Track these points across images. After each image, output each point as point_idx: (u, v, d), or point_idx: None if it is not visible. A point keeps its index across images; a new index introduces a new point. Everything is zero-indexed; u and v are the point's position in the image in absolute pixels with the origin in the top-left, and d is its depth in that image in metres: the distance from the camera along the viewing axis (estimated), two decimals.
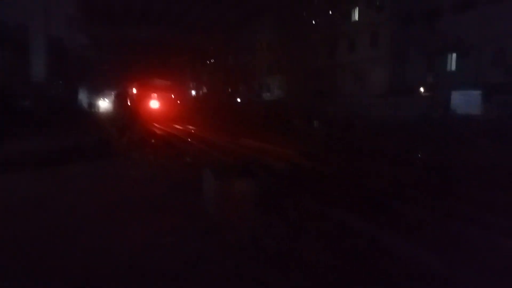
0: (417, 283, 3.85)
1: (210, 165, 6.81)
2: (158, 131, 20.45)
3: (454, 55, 23.67)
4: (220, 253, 4.32)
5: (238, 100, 49.12)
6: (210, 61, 60.47)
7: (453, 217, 5.92)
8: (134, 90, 35.28)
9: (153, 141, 15.19)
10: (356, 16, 32.43)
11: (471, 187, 7.91)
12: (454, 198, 7.08)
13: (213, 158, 11.63)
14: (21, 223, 5.35)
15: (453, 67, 23.88)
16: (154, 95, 33.70)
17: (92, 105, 48.35)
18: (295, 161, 11.09)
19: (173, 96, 37.10)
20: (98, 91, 65.98)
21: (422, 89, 24.56)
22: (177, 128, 23.85)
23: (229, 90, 54.50)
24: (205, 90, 65.34)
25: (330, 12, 35.23)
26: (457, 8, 22.83)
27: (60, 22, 43.74)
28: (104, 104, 55.15)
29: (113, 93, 48.80)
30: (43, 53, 30.73)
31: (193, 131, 21.92)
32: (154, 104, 33.52)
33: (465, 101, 20.36)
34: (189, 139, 17.33)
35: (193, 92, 70.88)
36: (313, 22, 37.57)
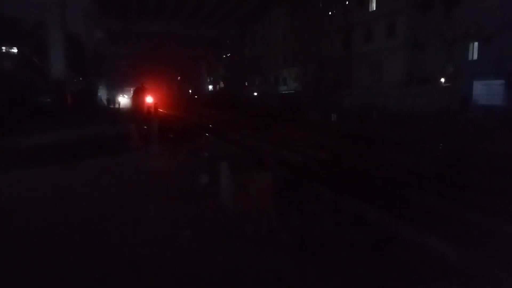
0: (433, 275, 3.83)
1: (226, 158, 6.87)
2: (176, 126, 20.66)
3: (476, 43, 22.97)
4: (238, 245, 4.39)
5: (255, 94, 49.07)
6: (226, 54, 60.47)
7: (471, 207, 5.84)
8: (150, 86, 35.71)
9: (171, 135, 15.39)
10: (373, 5, 31.81)
11: (491, 177, 7.78)
12: (472, 188, 6.99)
13: (230, 152, 11.72)
14: (52, 211, 5.53)
15: (475, 56, 23.20)
16: (170, 90, 34.02)
17: (111, 101, 49.05)
18: (312, 154, 11.07)
19: (190, 92, 37.36)
20: (117, 86, 66.98)
21: (442, 79, 23.99)
22: (194, 123, 24.03)
23: (246, 83, 54.48)
24: (221, 84, 65.50)
25: (347, 2, 34.70)
26: None
27: (78, 18, 44.54)
28: (123, 100, 55.86)
29: (131, 88, 49.45)
30: (61, 49, 31.30)
31: (210, 125, 22.07)
32: (170, 98, 33.85)
33: (487, 91, 19.83)
34: (207, 134, 17.46)
35: (210, 87, 71.17)
36: (329, 12, 37.09)
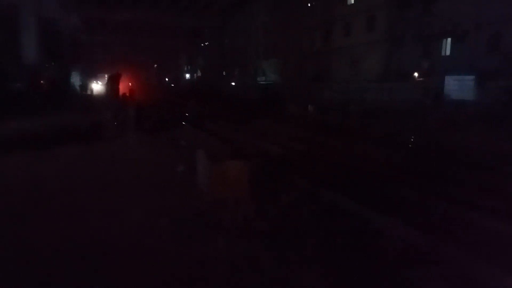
0: (404, 260, 3.98)
1: (204, 148, 6.86)
2: (152, 115, 20.36)
3: (449, 40, 23.62)
4: (214, 233, 4.42)
5: (233, 84, 48.81)
6: (204, 44, 59.80)
7: (441, 198, 6.06)
8: (125, 74, 34.94)
9: (147, 124, 15.17)
10: None
11: (459, 169, 8.08)
12: (443, 179, 7.24)
13: (206, 141, 11.68)
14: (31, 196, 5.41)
15: (448, 52, 23.86)
16: (146, 78, 33.33)
17: (85, 88, 47.75)
18: (290, 146, 11.17)
19: (167, 80, 36.70)
20: (91, 73, 65.11)
21: (416, 74, 24.58)
22: (170, 111, 23.73)
23: (224, 73, 54.14)
24: (199, 73, 64.81)
25: None
26: None
27: (53, 2, 42.91)
28: (97, 86, 54.53)
29: (106, 75, 48.31)
30: (34, 34, 30.22)
31: (187, 115, 21.87)
32: (146, 87, 33.16)
33: (459, 86, 20.40)
34: (184, 124, 17.30)
35: (187, 76, 70.24)
36: (309, 5, 37.16)
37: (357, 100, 24.97)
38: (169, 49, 67.23)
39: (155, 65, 78.72)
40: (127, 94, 23.53)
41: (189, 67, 70.06)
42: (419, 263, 3.94)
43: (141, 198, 5.67)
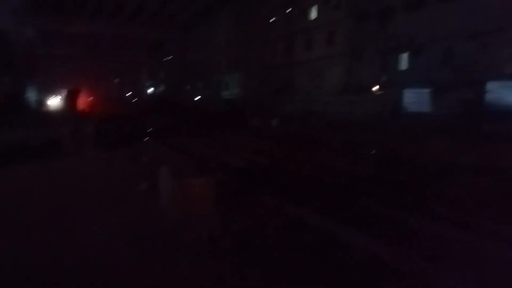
0: (370, 273, 3.95)
1: (166, 163, 6.64)
2: (112, 130, 19.73)
3: (406, 54, 24.66)
4: (176, 252, 4.22)
5: (196, 98, 48.47)
6: (167, 57, 59.28)
7: (401, 208, 6.15)
8: (82, 89, 33.91)
9: (107, 139, 14.64)
10: (313, 14, 32.97)
11: (418, 179, 8.31)
12: (402, 190, 7.39)
13: (168, 157, 11.40)
14: None
15: (405, 66, 24.87)
16: (106, 93, 32.48)
17: (41, 103, 45.78)
18: (254, 159, 11.10)
19: (126, 95, 35.91)
20: (49, 88, 62.62)
21: (375, 88, 25.42)
22: (131, 126, 23.12)
23: (187, 87, 53.77)
24: (162, 87, 63.99)
25: (288, 10, 35.59)
26: (409, 7, 23.75)
27: (5, 14, 41.12)
28: (54, 102, 52.46)
29: (65, 91, 46.61)
30: None
31: (149, 130, 21.37)
32: (103, 102, 32.23)
33: (416, 99, 21.25)
34: (145, 139, 16.85)
35: (150, 90, 69.19)
36: (271, 19, 37.81)
37: (319, 112, 25.47)
38: (130, 63, 66.12)
39: (116, 79, 77.02)
40: (86, 109, 22.77)
41: (151, 80, 69.09)
42: (385, 276, 3.92)
43: (97, 218, 5.36)
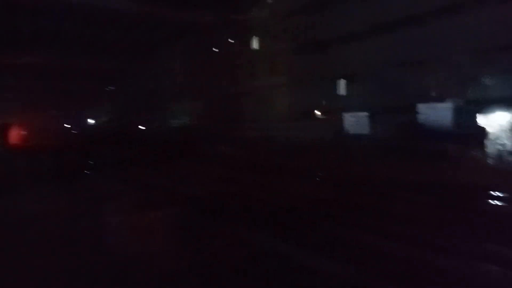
0: None
1: (118, 198, 6.42)
2: (51, 164, 18.65)
3: (344, 81, 26.53)
4: None
5: (145, 128, 47.30)
6: (117, 86, 57.71)
7: (356, 228, 6.39)
8: (17, 121, 31.91)
9: (46, 174, 13.80)
10: (255, 45, 34.48)
11: (368, 199, 8.66)
12: (354, 210, 7.68)
13: (120, 190, 10.95)
14: None
15: (344, 92, 26.67)
16: (42, 124, 30.79)
17: None
18: (213, 187, 10.95)
19: (67, 126, 34.27)
20: None
21: (318, 113, 26.75)
22: (73, 160, 22.00)
23: (137, 117, 52.51)
24: (109, 118, 61.75)
25: (231, 41, 36.72)
26: (343, 39, 25.64)
27: None
28: None
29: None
30: None
31: (93, 162, 20.42)
32: (43, 134, 30.44)
33: (355, 122, 22.45)
34: (89, 172, 16.07)
35: (94, 121, 66.55)
36: (217, 50, 38.68)
37: (271, 138, 26.09)
38: (76, 94, 63.37)
39: (55, 111, 73.18)
40: (19, 143, 21.40)
41: (98, 111, 66.61)
42: None
43: (39, 260, 5.01)
